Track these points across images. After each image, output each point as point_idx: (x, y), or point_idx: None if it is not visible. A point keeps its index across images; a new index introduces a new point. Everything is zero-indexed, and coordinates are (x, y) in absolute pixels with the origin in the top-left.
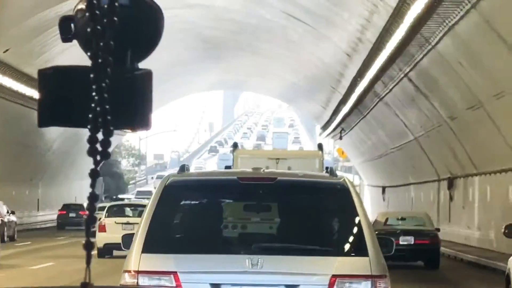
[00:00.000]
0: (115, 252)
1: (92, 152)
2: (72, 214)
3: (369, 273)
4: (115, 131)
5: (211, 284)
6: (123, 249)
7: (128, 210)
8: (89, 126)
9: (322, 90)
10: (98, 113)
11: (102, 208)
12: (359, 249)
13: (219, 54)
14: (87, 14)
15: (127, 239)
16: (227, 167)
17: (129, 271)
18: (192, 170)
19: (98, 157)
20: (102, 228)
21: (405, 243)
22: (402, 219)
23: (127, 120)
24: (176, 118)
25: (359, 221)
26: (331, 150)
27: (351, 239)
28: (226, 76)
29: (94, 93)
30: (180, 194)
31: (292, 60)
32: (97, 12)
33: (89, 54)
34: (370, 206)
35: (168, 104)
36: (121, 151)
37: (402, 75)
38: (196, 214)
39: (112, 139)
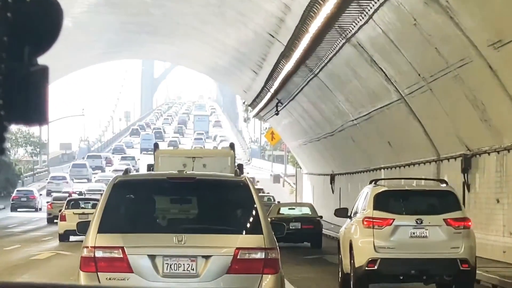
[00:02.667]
0: (71, 238)
1: None
2: None
3: (263, 246)
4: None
5: (148, 255)
6: (78, 233)
7: (83, 203)
8: None
9: (253, 54)
10: None
11: None
12: (256, 229)
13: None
14: None
15: (81, 226)
16: (149, 166)
17: (87, 247)
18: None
19: None
20: (63, 218)
21: (294, 227)
22: (291, 208)
23: (23, 116)
24: (83, 102)
25: (256, 209)
26: (258, 137)
27: (250, 222)
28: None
29: None
30: (125, 190)
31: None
32: None
33: None
34: (314, 199)
35: (69, 77)
36: (17, 138)
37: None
38: (137, 205)
39: None
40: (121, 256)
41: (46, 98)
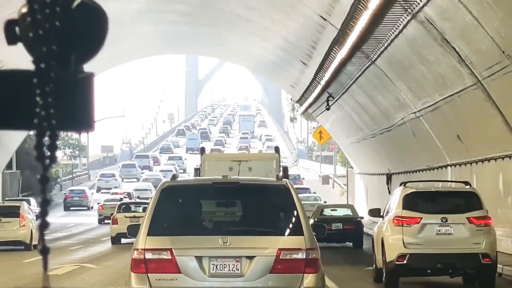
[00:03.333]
0: (123, 240)
1: (40, 157)
2: None
3: (304, 247)
4: None
5: (196, 257)
6: (128, 236)
7: (134, 207)
8: (35, 132)
9: (300, 47)
10: (43, 118)
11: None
12: (297, 230)
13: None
14: (28, 19)
15: (132, 229)
16: (196, 169)
17: (138, 249)
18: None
19: (47, 162)
20: (115, 221)
21: (336, 228)
22: (333, 209)
23: (71, 123)
24: (123, 103)
25: (297, 212)
26: (305, 137)
27: (291, 223)
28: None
29: (37, 98)
30: (172, 195)
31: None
32: (39, 16)
33: (32, 59)
34: (367, 200)
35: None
36: None
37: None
38: (184, 208)
39: None
40: (170, 257)
41: (92, 105)
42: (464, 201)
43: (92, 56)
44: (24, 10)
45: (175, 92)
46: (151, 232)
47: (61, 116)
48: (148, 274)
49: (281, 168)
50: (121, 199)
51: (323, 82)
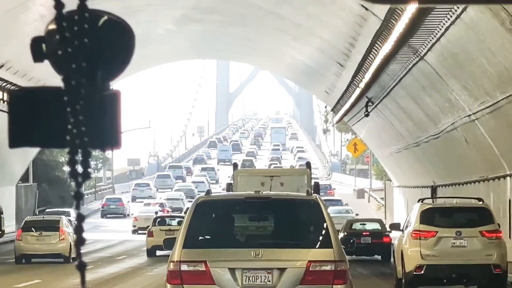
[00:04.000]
0: (158, 252)
1: (73, 174)
2: None
3: (333, 259)
4: None
5: (229, 268)
6: (164, 249)
7: (169, 220)
8: (68, 149)
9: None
10: (75, 136)
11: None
12: (326, 243)
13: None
14: (57, 36)
15: (168, 242)
16: (228, 184)
17: (173, 261)
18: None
19: (80, 179)
20: (150, 234)
21: (364, 242)
22: (363, 224)
23: (99, 140)
24: (150, 114)
25: (326, 225)
26: (338, 150)
27: (321, 237)
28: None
29: (68, 115)
30: (207, 209)
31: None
32: (67, 34)
33: (61, 76)
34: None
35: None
36: None
37: None
38: (218, 222)
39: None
40: (204, 269)
41: (119, 122)
42: (477, 216)
43: (119, 73)
44: (51, 27)
45: (205, 105)
46: (186, 245)
47: (90, 133)
48: (184, 285)
49: (313, 184)
50: (156, 212)
51: (362, 85)
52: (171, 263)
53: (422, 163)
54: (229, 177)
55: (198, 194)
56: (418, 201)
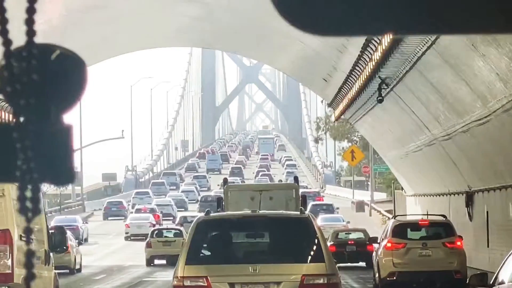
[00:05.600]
0: (156, 261)
1: (23, 209)
2: None
3: (325, 272)
4: None
5: (229, 283)
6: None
7: (166, 232)
8: (18, 185)
9: None
10: (25, 171)
11: None
12: (318, 258)
13: None
14: (5, 73)
15: (171, 260)
16: (219, 199)
17: (177, 277)
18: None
19: (30, 215)
20: (149, 245)
21: (350, 250)
22: (348, 233)
23: (51, 175)
24: (124, 124)
25: (318, 241)
26: (332, 161)
27: (313, 252)
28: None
29: (18, 151)
30: (207, 228)
31: None
32: (16, 71)
33: (11, 112)
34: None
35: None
36: None
37: None
38: (217, 240)
39: None
40: (206, 284)
41: (72, 156)
42: (442, 230)
43: (72, 106)
44: (2, 62)
45: (189, 118)
46: (189, 261)
47: (42, 168)
48: None
49: (300, 197)
50: (154, 225)
51: (375, 57)
52: (175, 279)
53: (453, 162)
54: (218, 185)
55: (189, 203)
56: (392, 218)
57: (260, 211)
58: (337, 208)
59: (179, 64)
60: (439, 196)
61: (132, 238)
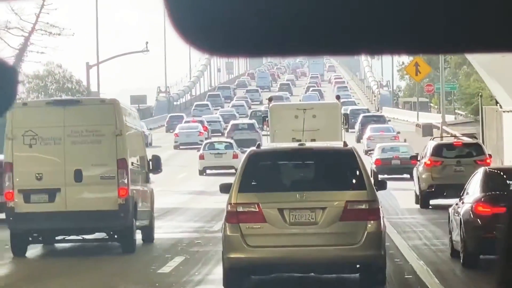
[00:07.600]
0: (208, 171)
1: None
2: None
3: (367, 199)
4: None
5: (278, 209)
6: (221, 193)
7: (217, 144)
8: None
9: None
10: None
11: None
12: (360, 186)
13: None
14: None
15: (224, 187)
16: (264, 117)
17: (231, 204)
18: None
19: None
20: (201, 157)
21: (395, 164)
22: (393, 147)
23: None
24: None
25: (360, 171)
26: (389, 80)
27: (355, 181)
28: None
29: None
30: (258, 159)
31: None
32: None
33: None
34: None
35: None
36: (46, 83)
37: None
38: (267, 170)
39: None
40: (257, 210)
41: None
42: (473, 149)
43: (4, 111)
44: None
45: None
46: (241, 189)
47: None
48: (240, 224)
49: (343, 116)
50: (206, 138)
51: None
52: (229, 205)
53: None
54: (266, 99)
55: (240, 116)
56: (431, 139)
57: (306, 144)
58: (389, 120)
59: None
60: None
61: (181, 147)
